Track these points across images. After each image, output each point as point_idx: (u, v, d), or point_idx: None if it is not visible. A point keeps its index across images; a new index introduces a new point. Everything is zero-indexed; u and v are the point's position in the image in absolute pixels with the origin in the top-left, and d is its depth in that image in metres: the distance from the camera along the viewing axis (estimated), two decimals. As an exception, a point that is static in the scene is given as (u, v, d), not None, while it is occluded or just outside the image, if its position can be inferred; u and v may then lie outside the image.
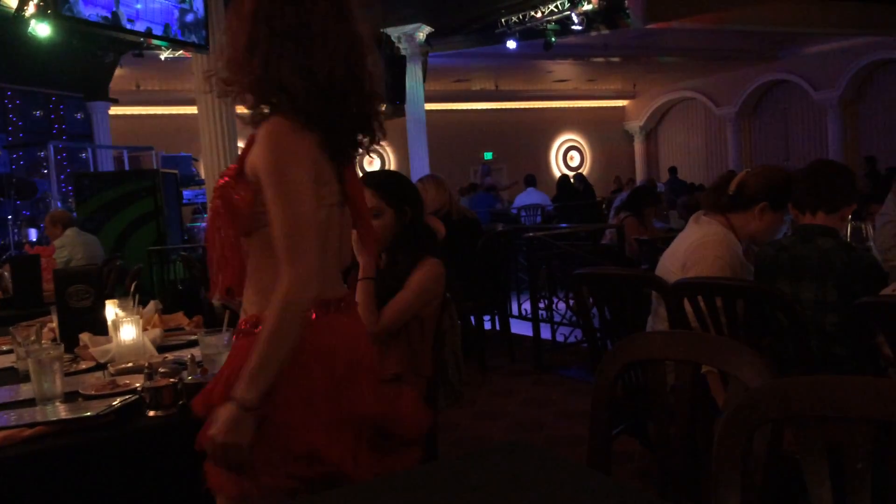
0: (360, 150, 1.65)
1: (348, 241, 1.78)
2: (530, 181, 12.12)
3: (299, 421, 1.46)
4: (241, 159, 1.53)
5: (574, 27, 10.73)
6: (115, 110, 11.93)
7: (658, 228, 6.08)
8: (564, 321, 5.62)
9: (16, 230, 9.47)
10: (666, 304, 2.43)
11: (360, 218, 1.71)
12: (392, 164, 16.26)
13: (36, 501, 1.63)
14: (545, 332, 5.49)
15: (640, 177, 17.37)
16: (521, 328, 5.77)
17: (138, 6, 9.54)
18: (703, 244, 2.47)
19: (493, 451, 1.46)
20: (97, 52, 9.40)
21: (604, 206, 12.02)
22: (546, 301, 5.62)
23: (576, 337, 5.53)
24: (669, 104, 19.21)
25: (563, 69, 15.57)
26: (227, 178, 1.53)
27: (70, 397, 1.96)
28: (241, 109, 1.60)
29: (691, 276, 2.39)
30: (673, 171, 14.57)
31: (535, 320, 5.30)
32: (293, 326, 1.42)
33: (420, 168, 12.09)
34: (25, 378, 2.13)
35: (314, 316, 1.50)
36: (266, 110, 1.52)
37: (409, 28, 11.74)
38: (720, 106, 17.64)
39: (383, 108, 1.67)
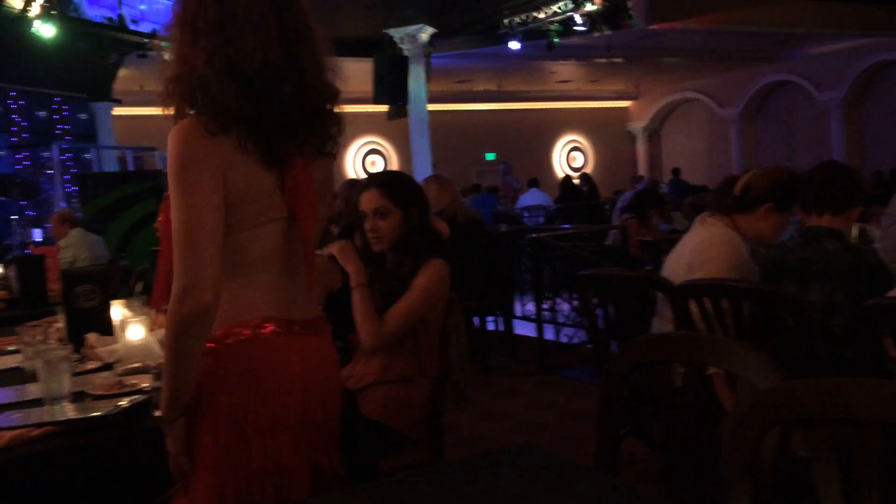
0: (308, 151, 1.47)
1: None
2: (533, 182, 12.13)
3: (236, 437, 1.41)
4: None
5: (577, 28, 10.74)
6: (118, 111, 11.94)
7: (662, 230, 6.08)
8: (568, 322, 5.63)
9: (20, 230, 9.48)
10: (672, 305, 2.43)
11: (302, 233, 1.50)
12: (394, 165, 16.27)
13: (44, 501, 1.64)
14: (549, 333, 5.49)
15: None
16: (524, 329, 5.77)
17: (142, 7, 9.58)
18: (709, 245, 2.47)
19: (501, 452, 1.46)
20: (101, 52, 9.43)
21: (607, 206, 12.03)
22: (550, 302, 5.62)
23: (580, 338, 5.54)
24: (672, 105, 19.20)
25: (565, 70, 15.57)
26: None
27: (77, 397, 1.96)
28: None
29: (697, 278, 2.39)
30: (676, 171, 14.56)
31: (538, 321, 5.30)
32: (188, 337, 1.33)
33: (422, 168, 12.10)
34: (32, 378, 2.14)
35: (270, 335, 1.43)
36: (190, 112, 1.43)
37: (411, 29, 11.75)
38: (723, 107, 17.63)
39: (339, 108, 1.51)
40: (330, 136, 1.51)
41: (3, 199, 10.07)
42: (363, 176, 14.42)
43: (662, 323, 2.61)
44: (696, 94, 18.15)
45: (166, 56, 1.47)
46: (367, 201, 2.41)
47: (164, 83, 1.43)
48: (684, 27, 11.73)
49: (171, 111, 1.44)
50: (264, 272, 1.47)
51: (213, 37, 1.37)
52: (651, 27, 11.02)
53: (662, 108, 19.31)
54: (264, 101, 1.39)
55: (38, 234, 9.48)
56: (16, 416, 1.83)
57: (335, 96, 1.50)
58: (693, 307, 2.33)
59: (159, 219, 1.51)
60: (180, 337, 1.33)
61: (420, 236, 2.41)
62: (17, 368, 2.38)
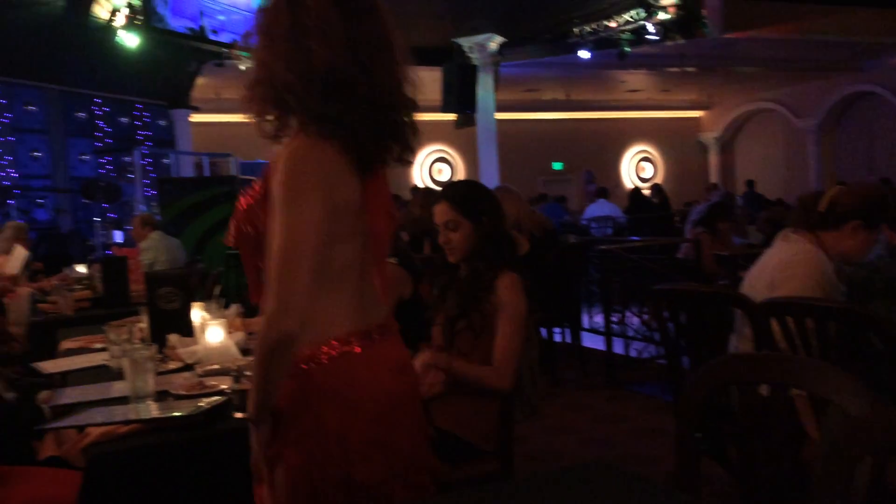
0: (389, 161, 1.51)
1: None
2: (602, 192, 11.99)
3: (330, 450, 1.43)
4: (266, 181, 1.46)
5: (649, 37, 10.59)
6: (195, 118, 12.31)
7: (736, 244, 5.92)
8: (638, 336, 5.53)
9: (102, 232, 9.87)
10: (752, 324, 2.36)
11: (380, 243, 1.55)
12: (461, 174, 16.30)
13: (126, 496, 1.69)
14: (618, 347, 5.41)
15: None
16: (592, 342, 5.70)
17: (221, 18, 9.87)
18: (792, 263, 2.40)
19: (573, 469, 1.44)
20: (181, 61, 9.75)
21: (677, 219, 11.79)
22: (619, 315, 5.54)
23: (649, 353, 5.43)
24: (747, 115, 18.71)
25: (636, 79, 15.35)
26: (251, 201, 1.48)
27: (160, 396, 2.03)
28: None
29: (780, 296, 2.32)
30: (750, 184, 14.16)
31: (607, 334, 5.23)
32: (272, 356, 1.35)
33: (489, 177, 12.10)
34: (118, 376, 2.21)
35: (357, 349, 1.45)
36: (270, 117, 1.45)
37: (481, 38, 11.78)
38: (800, 118, 17.09)
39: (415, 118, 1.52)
40: (409, 145, 1.52)
41: (87, 201, 10.51)
42: (429, 184, 14.50)
43: (741, 341, 2.54)
44: (772, 104, 17.64)
45: (242, 66, 1.50)
46: (439, 214, 2.43)
47: (247, 88, 1.46)
48: (760, 36, 11.44)
49: (251, 117, 1.47)
50: (347, 284, 1.48)
51: (287, 43, 1.40)
52: (726, 36, 10.77)
53: (736, 119, 18.84)
54: (347, 104, 1.41)
55: (118, 236, 9.85)
56: (103, 413, 1.90)
57: (412, 106, 1.51)
58: (775, 326, 2.26)
59: (230, 232, 1.54)
60: (267, 355, 1.36)
61: (493, 246, 2.41)
62: (104, 366, 2.48)
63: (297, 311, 1.34)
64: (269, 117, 1.46)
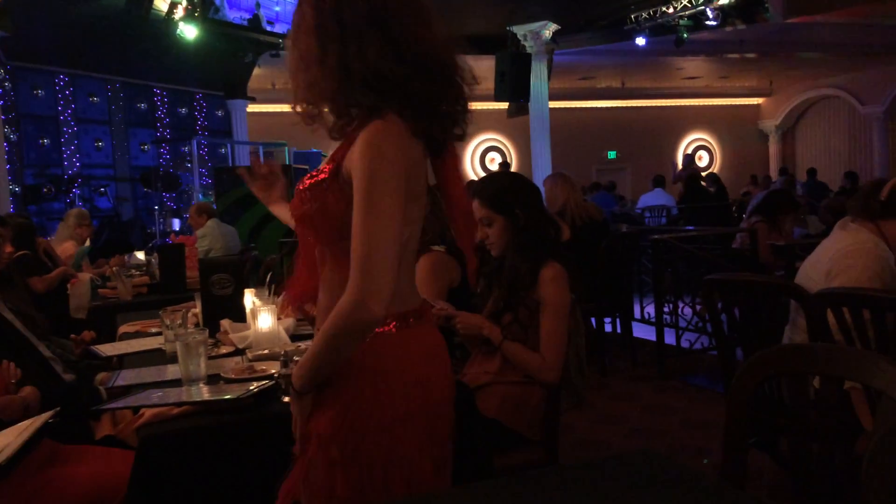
0: (452, 143, 1.51)
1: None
2: (658, 181, 11.79)
3: (366, 422, 1.43)
4: (337, 160, 1.44)
5: (708, 22, 10.35)
6: (251, 108, 12.52)
7: (796, 235, 5.74)
8: (690, 327, 5.44)
9: (161, 220, 10.14)
10: (806, 314, 2.30)
11: (458, 227, 1.60)
12: (514, 163, 16.23)
13: (177, 475, 1.73)
14: (669, 338, 5.33)
15: (773, 178, 16.55)
16: (643, 332, 5.63)
17: (277, 8, 10.00)
18: (850, 252, 2.32)
19: (619, 458, 1.43)
20: (238, 52, 9.92)
21: (734, 208, 11.53)
22: (671, 305, 5.46)
23: (702, 344, 5.34)
24: (809, 102, 18.17)
25: (694, 66, 15.04)
26: (320, 177, 1.45)
27: (212, 379, 2.07)
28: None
29: (837, 286, 2.25)
30: (812, 172, 13.74)
31: (658, 325, 5.15)
32: (350, 339, 1.36)
33: (542, 166, 12.02)
34: (172, 360, 2.27)
35: (393, 330, 1.46)
36: (354, 112, 1.43)
37: (535, 26, 11.68)
38: (865, 104, 16.52)
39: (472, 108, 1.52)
40: (463, 126, 1.51)
41: (147, 190, 10.80)
42: (481, 173, 14.47)
43: (795, 332, 2.48)
44: (836, 90, 17.09)
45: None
46: (474, 211, 2.42)
47: (311, 92, 1.44)
48: (824, 20, 11.08)
49: (303, 109, 1.47)
50: (402, 266, 1.47)
51: (371, 30, 1.38)
52: (788, 21, 10.46)
53: (798, 106, 18.31)
54: (437, 86, 1.42)
55: (176, 224, 10.10)
56: (156, 395, 1.96)
57: (468, 95, 1.49)
58: (830, 317, 2.20)
59: (292, 205, 1.51)
60: (340, 336, 1.36)
61: (531, 237, 2.40)
62: (159, 350, 2.55)
63: (386, 297, 1.34)
64: (328, 109, 1.45)
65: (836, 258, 2.36)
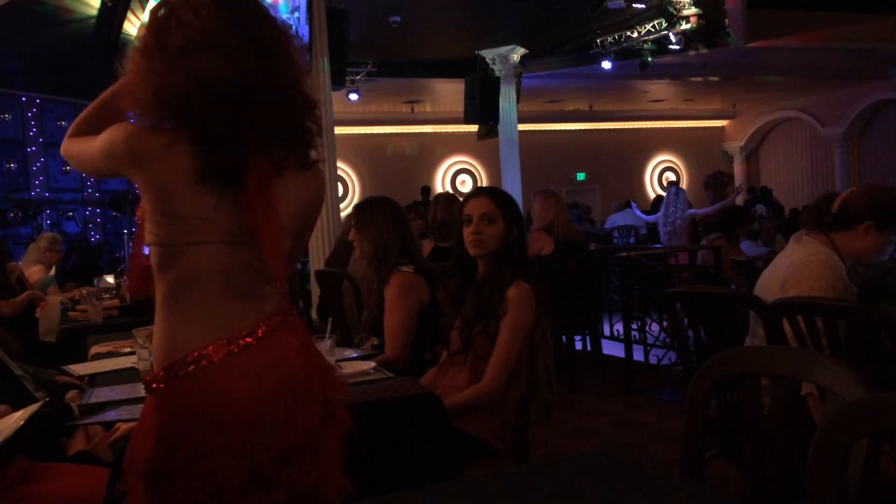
0: (293, 164, 1.44)
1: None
2: (627, 203, 11.99)
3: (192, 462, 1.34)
4: None
5: (671, 46, 10.61)
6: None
7: (750, 253, 5.92)
8: (658, 343, 5.54)
9: (131, 243, 10.05)
10: (764, 324, 2.39)
11: (264, 255, 1.41)
12: (484, 185, 16.36)
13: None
14: (638, 354, 5.42)
15: (741, 199, 16.87)
16: (612, 349, 5.71)
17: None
18: (804, 264, 2.42)
19: (585, 455, 1.48)
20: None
21: (700, 227, 11.73)
22: (639, 322, 5.55)
23: (670, 359, 5.43)
24: (772, 124, 18.59)
25: (659, 89, 15.34)
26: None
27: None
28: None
29: (791, 296, 2.35)
30: (767, 192, 14.15)
31: (627, 341, 5.24)
32: None
33: (512, 188, 12.14)
34: (145, 377, 2.29)
35: (215, 360, 1.36)
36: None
37: (503, 50, 11.87)
38: (826, 126, 16.95)
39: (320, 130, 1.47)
40: (311, 146, 1.47)
41: (116, 214, 10.72)
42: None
43: (755, 342, 2.56)
44: (798, 112, 17.52)
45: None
46: (477, 206, 2.50)
47: (144, 95, 1.37)
48: (784, 45, 11.39)
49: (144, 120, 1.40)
50: (205, 293, 1.41)
51: (180, 58, 1.34)
52: (749, 45, 10.75)
53: (761, 128, 18.73)
54: (239, 114, 1.35)
55: (145, 248, 10.00)
56: (128, 411, 1.98)
57: (314, 106, 1.46)
58: (786, 326, 2.29)
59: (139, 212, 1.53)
60: None
61: (513, 254, 2.48)
62: (132, 368, 2.56)
63: None
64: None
65: (791, 270, 2.46)
